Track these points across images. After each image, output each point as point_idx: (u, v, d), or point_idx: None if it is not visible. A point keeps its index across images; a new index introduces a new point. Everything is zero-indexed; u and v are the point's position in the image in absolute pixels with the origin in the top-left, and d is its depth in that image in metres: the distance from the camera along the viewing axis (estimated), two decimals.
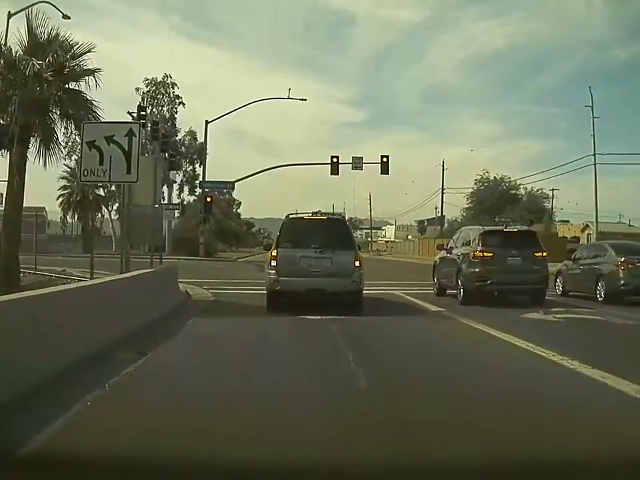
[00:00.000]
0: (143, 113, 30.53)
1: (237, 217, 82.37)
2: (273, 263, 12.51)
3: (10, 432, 4.41)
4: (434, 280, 17.22)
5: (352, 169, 43.18)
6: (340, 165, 41.85)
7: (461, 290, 14.63)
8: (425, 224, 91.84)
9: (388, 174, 42.17)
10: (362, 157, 43.42)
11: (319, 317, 11.63)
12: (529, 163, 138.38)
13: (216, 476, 3.71)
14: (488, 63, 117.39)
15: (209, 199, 41.85)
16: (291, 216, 13.40)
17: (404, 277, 24.70)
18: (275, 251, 12.61)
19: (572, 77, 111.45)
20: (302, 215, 13.62)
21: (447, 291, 16.44)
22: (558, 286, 17.53)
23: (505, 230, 15.46)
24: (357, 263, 12.57)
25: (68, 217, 51.90)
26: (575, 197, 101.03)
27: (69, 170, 43.05)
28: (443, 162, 69.45)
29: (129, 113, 30.86)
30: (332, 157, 42.40)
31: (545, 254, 14.66)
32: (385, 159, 42.40)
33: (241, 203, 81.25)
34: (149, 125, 32.41)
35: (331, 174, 41.79)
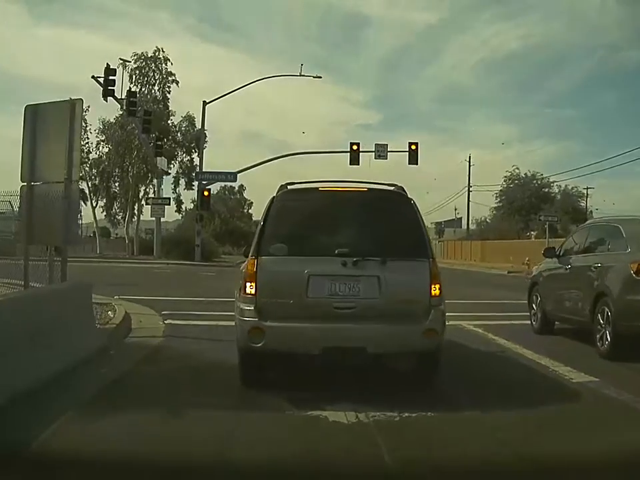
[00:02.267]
0: (113, 77, 23.89)
1: (248, 217, 77.03)
2: (249, 288, 5.70)
3: None
4: (531, 306, 10.49)
5: (375, 158, 37.02)
6: (360, 156, 35.70)
7: (607, 332, 7.87)
8: (443, 226, 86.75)
9: (417, 164, 36.27)
10: (387, 144, 37.12)
11: (350, 418, 5.07)
12: (546, 164, 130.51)
13: None
14: (503, 65, 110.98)
15: (206, 193, 35.51)
16: (290, 187, 6.26)
17: (456, 292, 17.81)
18: (254, 261, 5.74)
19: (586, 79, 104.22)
20: (315, 185, 6.28)
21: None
22: None
23: None
24: (436, 289, 5.78)
25: None
26: (609, 197, 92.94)
27: None
28: (470, 157, 63.94)
29: (93, 77, 24.20)
30: (351, 144, 36.30)
31: None
32: (413, 147, 36.23)
33: (252, 202, 75.68)
34: (125, 97, 25.87)
35: (350, 164, 35.78)
